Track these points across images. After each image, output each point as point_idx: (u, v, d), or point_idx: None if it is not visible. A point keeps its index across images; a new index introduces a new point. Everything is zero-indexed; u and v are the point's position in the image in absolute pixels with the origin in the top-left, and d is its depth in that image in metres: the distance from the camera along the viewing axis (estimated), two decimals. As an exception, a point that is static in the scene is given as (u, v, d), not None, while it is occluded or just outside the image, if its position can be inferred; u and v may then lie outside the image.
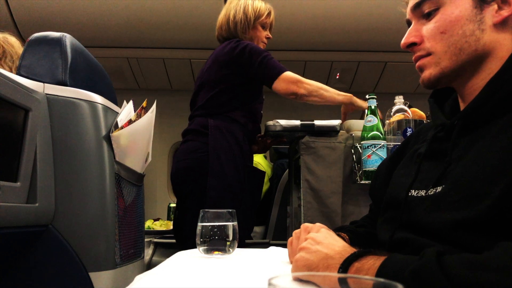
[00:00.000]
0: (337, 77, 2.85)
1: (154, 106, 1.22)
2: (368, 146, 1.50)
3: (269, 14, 1.74)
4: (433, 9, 0.68)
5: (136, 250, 1.19)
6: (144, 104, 1.20)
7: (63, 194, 0.95)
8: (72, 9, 2.33)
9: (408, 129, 1.55)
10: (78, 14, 2.36)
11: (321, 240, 0.64)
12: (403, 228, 0.69)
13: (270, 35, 1.78)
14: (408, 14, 0.73)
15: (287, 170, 2.01)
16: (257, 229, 2.19)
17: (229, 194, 1.50)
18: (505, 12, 0.64)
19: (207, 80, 1.65)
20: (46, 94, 0.96)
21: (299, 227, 0.82)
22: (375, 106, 1.53)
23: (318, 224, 0.77)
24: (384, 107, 1.73)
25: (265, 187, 2.24)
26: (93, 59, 1.21)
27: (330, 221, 1.55)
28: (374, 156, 1.50)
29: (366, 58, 2.66)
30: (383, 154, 1.49)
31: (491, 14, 0.65)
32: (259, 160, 2.22)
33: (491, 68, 0.65)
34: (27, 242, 0.91)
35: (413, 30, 0.71)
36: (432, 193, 0.65)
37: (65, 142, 0.97)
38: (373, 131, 1.51)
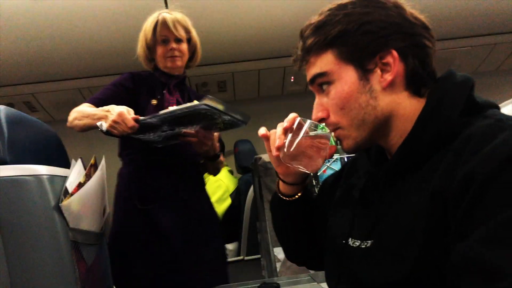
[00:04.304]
0: (292, 80, 2.90)
1: (103, 161, 1.22)
2: (322, 162, 1.55)
3: (157, 23, 1.47)
4: (325, 83, 0.70)
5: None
6: (92, 161, 1.20)
7: (17, 275, 0.94)
8: (21, 46, 2.26)
9: (358, 140, 1.61)
10: (28, 50, 2.29)
11: None
12: (344, 279, 0.73)
13: (174, 45, 1.48)
14: (308, 85, 0.75)
15: (252, 185, 2.05)
16: (230, 246, 2.23)
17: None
18: (388, 76, 0.67)
19: None
20: (-14, 178, 0.95)
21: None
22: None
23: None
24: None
25: (226, 203, 2.27)
26: (35, 124, 1.19)
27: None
28: (329, 171, 1.56)
29: (317, 59, 2.71)
30: (337, 167, 1.55)
31: (377, 80, 0.67)
32: (222, 176, 2.25)
33: (399, 126, 0.69)
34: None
35: (318, 105, 0.73)
36: (364, 246, 0.69)
37: (12, 223, 0.96)
38: (326, 145, 1.56)
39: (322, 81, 0.70)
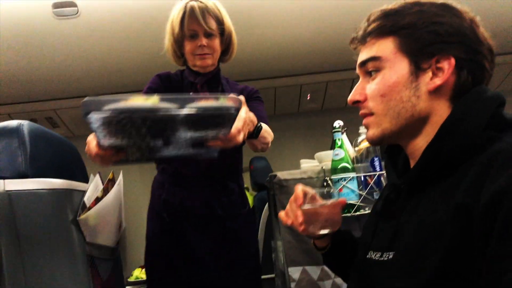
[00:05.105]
0: (308, 98, 2.90)
1: (120, 177, 1.23)
2: (338, 180, 1.54)
3: (184, 14, 1.28)
4: (375, 69, 0.72)
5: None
6: (110, 176, 1.22)
7: (34, 288, 0.95)
8: (44, 64, 2.34)
9: (375, 158, 1.59)
10: (50, 68, 2.37)
11: None
12: None
13: (204, 42, 1.31)
14: (357, 68, 0.78)
15: (267, 203, 2.04)
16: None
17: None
18: (438, 81, 0.68)
19: None
20: (7, 191, 0.97)
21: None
22: (340, 139, 1.56)
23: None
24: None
25: None
26: (56, 139, 1.22)
27: (312, 257, 1.57)
28: (345, 189, 1.53)
29: (333, 77, 2.71)
30: (353, 186, 1.53)
31: (426, 81, 0.68)
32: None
33: (428, 131, 0.70)
34: None
35: (359, 88, 0.75)
36: (386, 258, 0.69)
37: (30, 236, 0.97)
38: (342, 163, 1.54)
39: (373, 66, 0.71)
